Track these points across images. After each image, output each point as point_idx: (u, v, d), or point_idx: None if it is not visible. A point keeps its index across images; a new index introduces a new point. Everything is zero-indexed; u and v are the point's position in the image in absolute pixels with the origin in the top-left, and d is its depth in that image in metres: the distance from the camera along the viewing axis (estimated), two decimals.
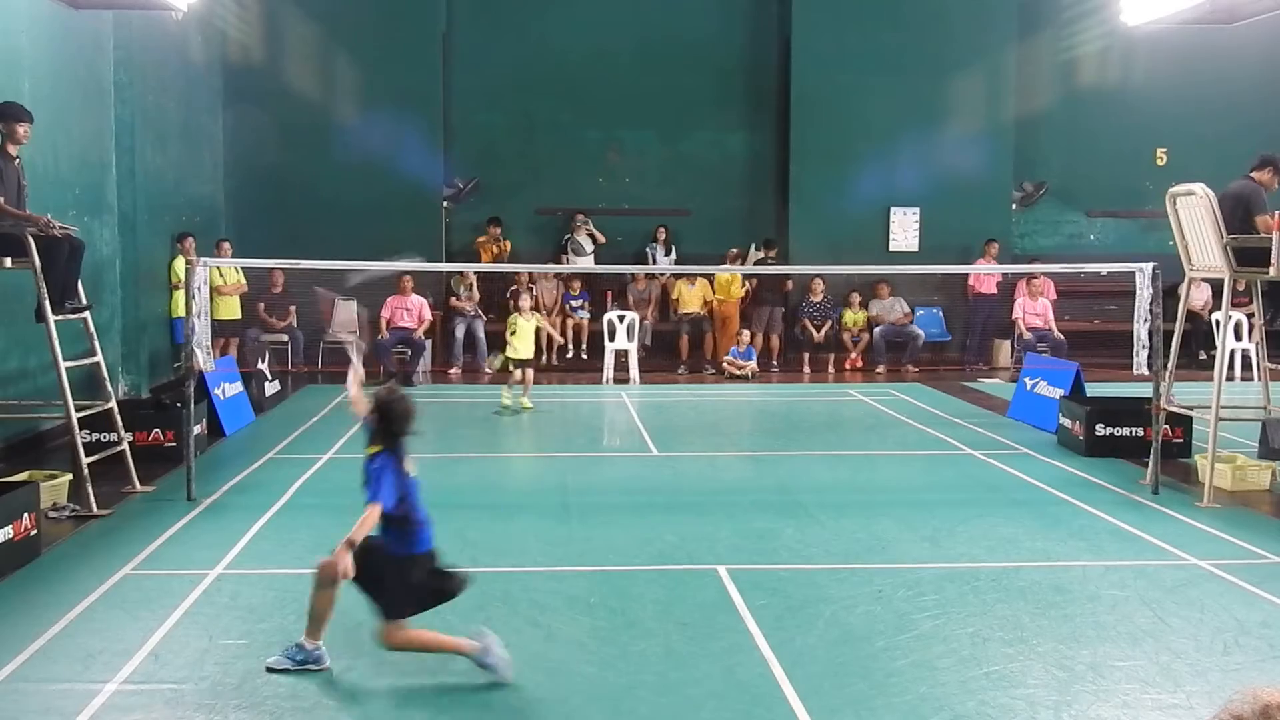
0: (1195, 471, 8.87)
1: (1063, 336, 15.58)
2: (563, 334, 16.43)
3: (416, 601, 4.72)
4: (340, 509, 7.58)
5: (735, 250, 16.53)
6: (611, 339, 15.24)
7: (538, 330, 12.66)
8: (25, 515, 6.32)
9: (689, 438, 11.23)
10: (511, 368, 12.30)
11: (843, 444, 10.79)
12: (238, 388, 11.31)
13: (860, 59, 16.85)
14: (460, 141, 17.16)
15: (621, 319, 15.43)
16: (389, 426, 4.78)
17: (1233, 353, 14.61)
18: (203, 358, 8.16)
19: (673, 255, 17.03)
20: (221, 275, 14.26)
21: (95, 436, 8.47)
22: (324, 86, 16.34)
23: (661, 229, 17.02)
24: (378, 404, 4.81)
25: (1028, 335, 15.64)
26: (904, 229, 17.19)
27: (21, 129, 7.77)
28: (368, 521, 4.62)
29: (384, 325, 15.08)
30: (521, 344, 12.24)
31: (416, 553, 4.74)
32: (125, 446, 8.29)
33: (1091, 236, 18.25)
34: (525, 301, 12.62)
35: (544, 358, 14.96)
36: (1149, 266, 8.49)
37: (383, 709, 4.41)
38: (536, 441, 10.86)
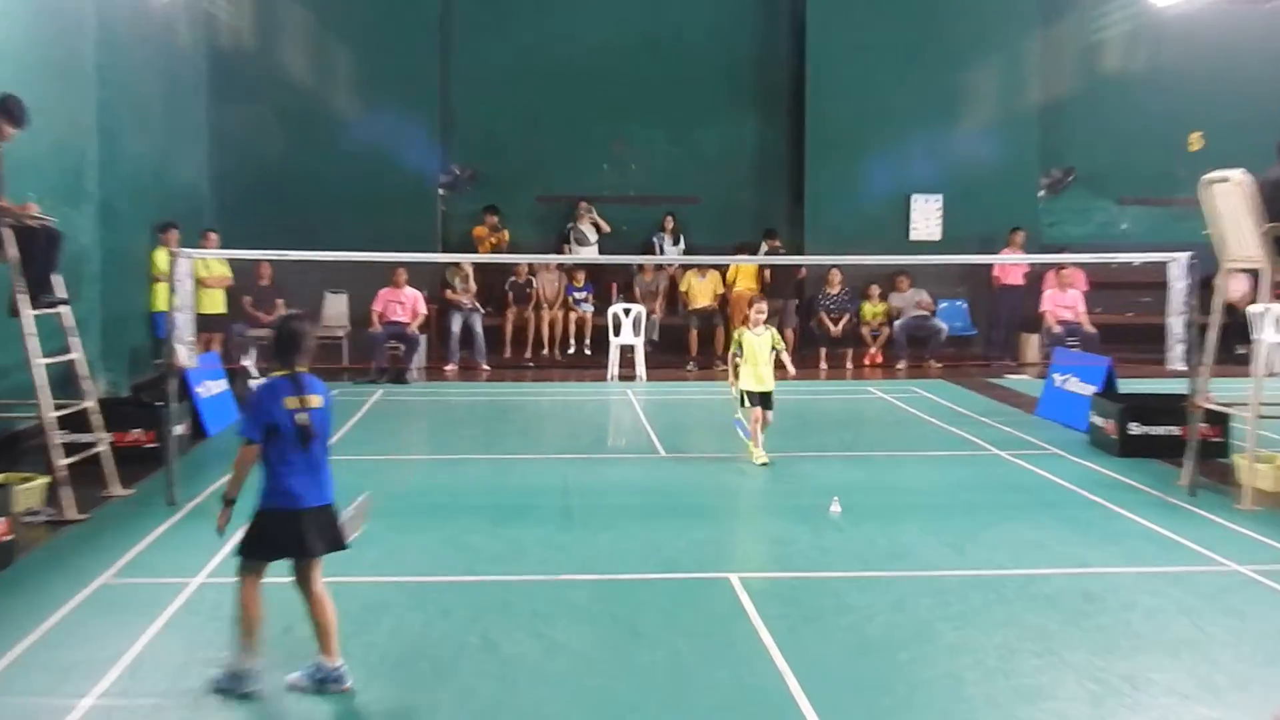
0: (1234, 472, 8.80)
1: (1094, 330, 15.51)
2: (565, 328, 16.41)
3: (256, 547, 4.67)
4: None
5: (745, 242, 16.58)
6: (617, 334, 15.20)
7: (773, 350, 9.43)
8: None
9: (698, 438, 11.20)
10: (748, 403, 9.34)
11: (861, 444, 10.75)
12: (222, 385, 11.29)
13: (879, 42, 16.80)
14: (458, 127, 17.13)
15: (627, 312, 15.39)
16: (275, 348, 4.78)
17: (1273, 347, 14.52)
18: (185, 354, 8.14)
19: (681, 245, 17.00)
20: (206, 267, 14.24)
21: (72, 437, 8.41)
22: (314, 70, 16.31)
23: (669, 217, 16.99)
24: (275, 326, 4.88)
25: (1057, 329, 15.57)
26: (925, 217, 17.13)
27: (11, 132, 7.76)
28: (238, 464, 4.64)
29: (375, 319, 15.05)
30: (755, 369, 9.30)
31: (263, 507, 4.65)
32: (104, 448, 8.27)
33: (1123, 225, 18.18)
34: (760, 310, 9.52)
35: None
36: (1184, 256, 8.44)
37: None
38: (538, 443, 10.83)
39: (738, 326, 15.94)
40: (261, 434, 4.62)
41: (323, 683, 4.69)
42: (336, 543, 4.79)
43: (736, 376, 9.41)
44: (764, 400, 9.31)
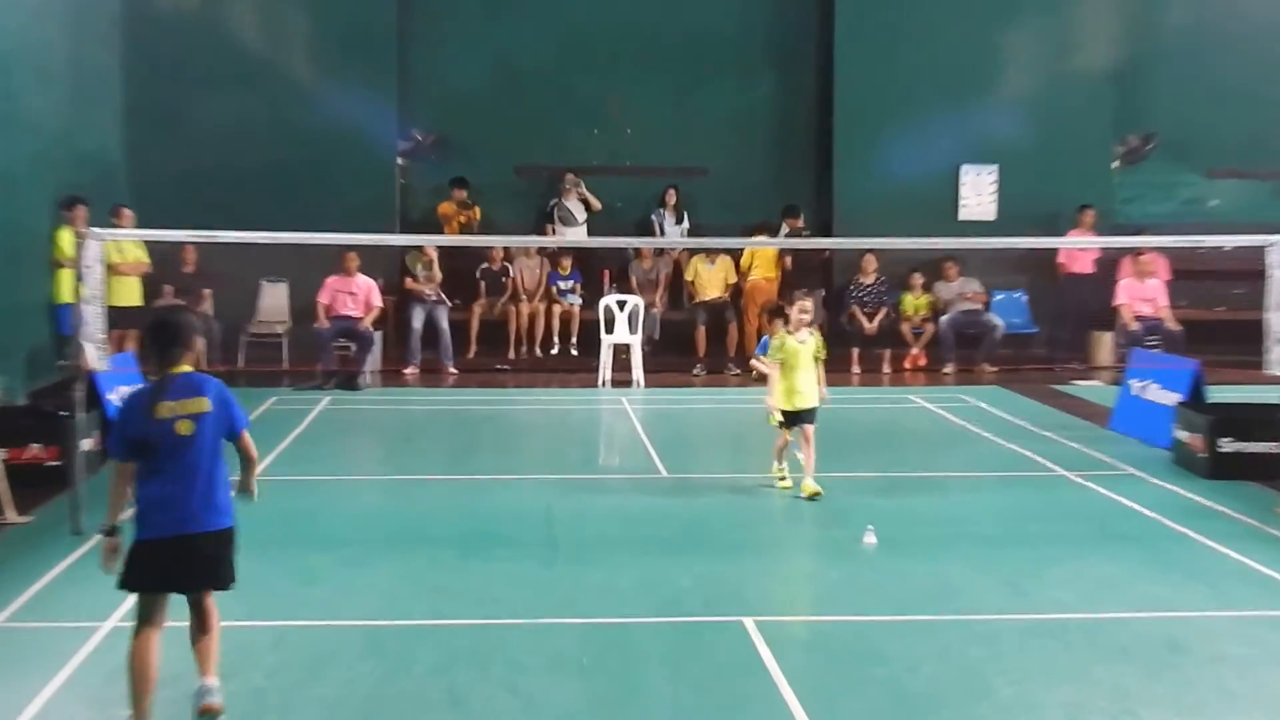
0: None
1: (1178, 327, 15.52)
2: (547, 323, 16.40)
3: (147, 577, 4.75)
4: (266, 544, 7.55)
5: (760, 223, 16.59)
6: (610, 331, 15.22)
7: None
8: None
9: (707, 456, 11.24)
10: (780, 424, 9.26)
11: (901, 463, 10.75)
12: None
13: None
14: (421, 84, 17.13)
15: (622, 305, 15.40)
16: (149, 347, 4.88)
17: None
18: (95, 354, 8.12)
19: (684, 224, 16.98)
20: (119, 250, 14.23)
21: None
22: (248, 18, 16.31)
23: (670, 191, 16.99)
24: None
25: (1134, 326, 15.58)
26: (977, 192, 17.15)
27: None
28: (110, 487, 4.74)
29: (322, 313, 15.04)
30: (798, 382, 9.09)
31: (136, 536, 4.72)
32: None
33: (1213, 201, 18.19)
34: (804, 310, 9.20)
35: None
36: None
37: None
38: (515, 461, 10.82)
39: (754, 324, 16.09)
40: (128, 451, 4.70)
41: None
42: (221, 576, 4.83)
43: (776, 393, 9.08)
44: (806, 419, 9.07)
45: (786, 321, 9.26)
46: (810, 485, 8.98)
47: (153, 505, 4.66)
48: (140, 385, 4.82)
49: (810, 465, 9.06)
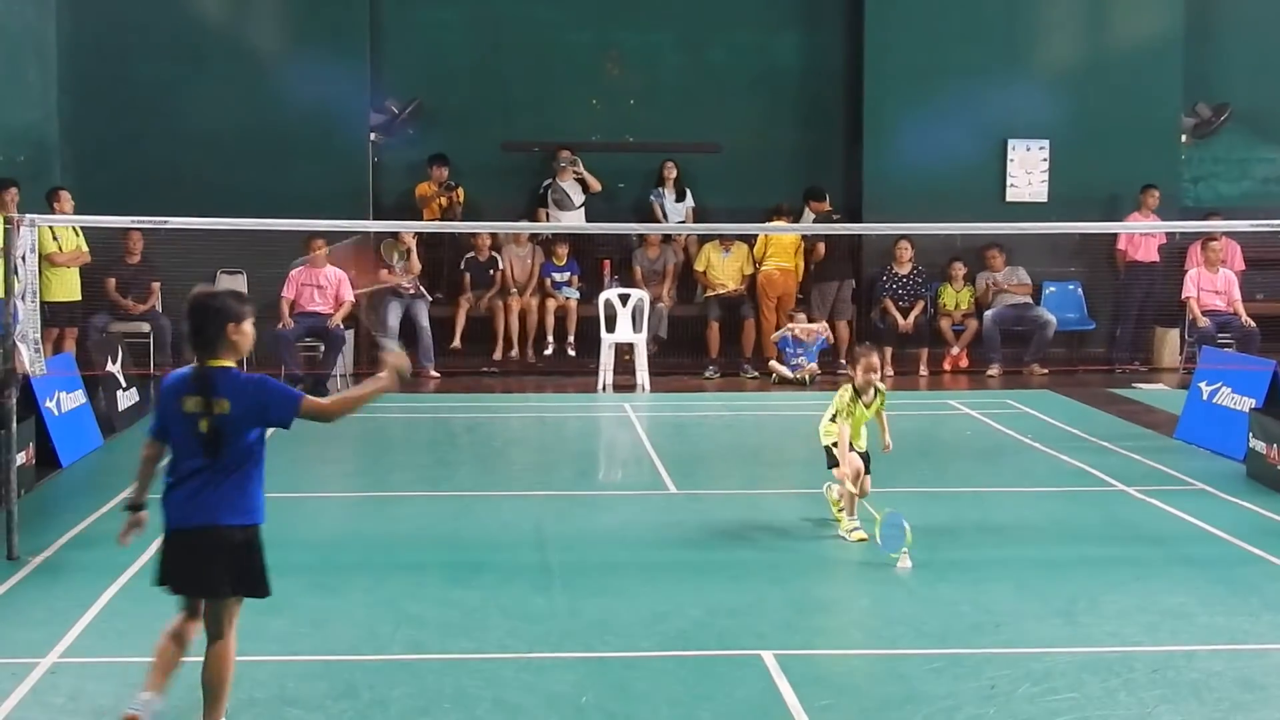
0: None
1: (1253, 324, 15.52)
2: (541, 319, 16.41)
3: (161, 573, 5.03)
4: None
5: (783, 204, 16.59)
6: (611, 329, 15.25)
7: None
8: None
9: (721, 470, 11.26)
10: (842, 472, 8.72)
11: (939, 477, 10.77)
12: (79, 399, 11.31)
13: None
14: (395, 50, 17.13)
15: (625, 300, 15.42)
16: (187, 333, 5.04)
17: None
18: (29, 356, 8.15)
19: (687, 202, 16.96)
20: (56, 239, 14.26)
21: None
22: None
23: (669, 164, 17.01)
24: None
25: (1204, 322, 15.58)
26: (1026, 171, 17.13)
27: None
28: (141, 460, 5.14)
29: (286, 309, 15.05)
30: (854, 435, 8.84)
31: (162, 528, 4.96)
32: None
33: None
34: (869, 368, 8.86)
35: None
36: None
37: None
38: (504, 476, 10.83)
39: (772, 319, 16.10)
40: (158, 432, 5.02)
41: None
42: (231, 580, 4.96)
43: (835, 454, 8.69)
44: (865, 463, 8.88)
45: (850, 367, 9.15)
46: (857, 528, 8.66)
47: (171, 491, 4.91)
48: (184, 369, 5.00)
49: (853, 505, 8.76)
